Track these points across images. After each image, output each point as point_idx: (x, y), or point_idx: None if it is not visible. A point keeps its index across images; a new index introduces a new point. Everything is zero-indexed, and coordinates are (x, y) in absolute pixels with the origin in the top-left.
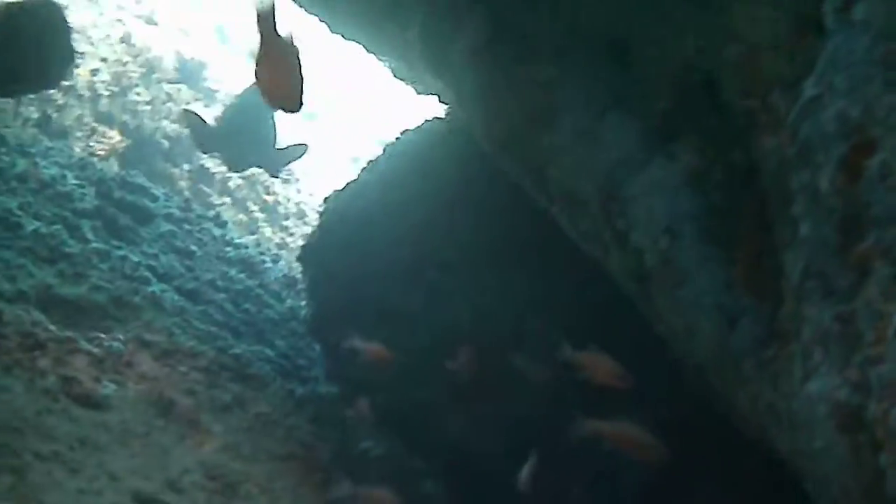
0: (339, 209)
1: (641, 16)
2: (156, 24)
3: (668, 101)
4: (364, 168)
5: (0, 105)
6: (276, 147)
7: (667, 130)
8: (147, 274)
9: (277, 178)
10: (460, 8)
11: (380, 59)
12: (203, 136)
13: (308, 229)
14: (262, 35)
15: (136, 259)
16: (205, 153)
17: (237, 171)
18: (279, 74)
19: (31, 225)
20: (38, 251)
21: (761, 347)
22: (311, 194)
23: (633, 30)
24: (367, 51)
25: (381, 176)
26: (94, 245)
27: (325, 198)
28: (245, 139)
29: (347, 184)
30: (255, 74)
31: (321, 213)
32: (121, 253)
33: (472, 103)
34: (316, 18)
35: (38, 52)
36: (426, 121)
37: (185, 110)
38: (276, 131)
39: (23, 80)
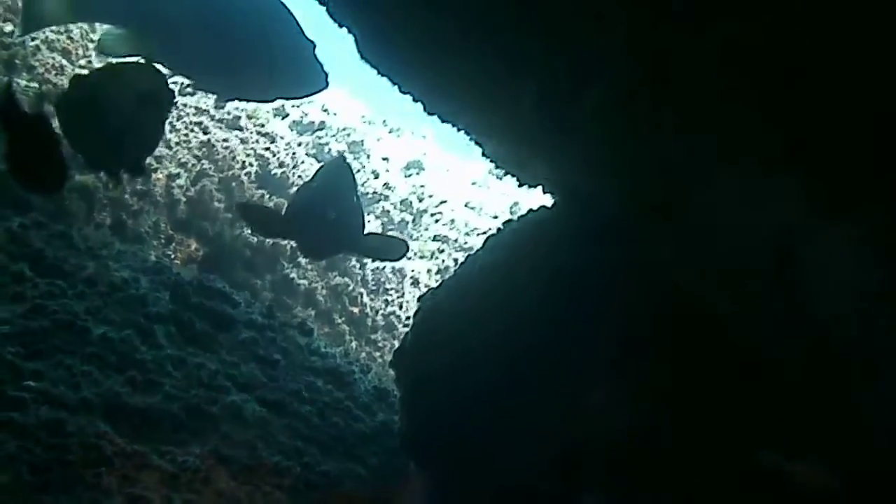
0: (435, 309)
1: (827, 40)
2: (239, 128)
3: (859, 145)
4: (462, 262)
5: (72, 209)
6: (364, 233)
7: (858, 183)
8: (226, 383)
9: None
10: (587, 62)
11: (480, 143)
12: (269, 221)
13: (397, 343)
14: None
15: (213, 367)
16: (276, 237)
17: (317, 259)
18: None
19: (98, 329)
20: (105, 357)
21: None
22: (400, 306)
23: (813, 57)
24: (468, 132)
25: (481, 270)
26: (168, 351)
27: (420, 297)
28: (324, 222)
29: (444, 281)
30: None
31: (415, 314)
32: (197, 360)
33: (604, 167)
34: (410, 97)
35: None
36: (531, 210)
37: (239, 204)
38: (363, 214)
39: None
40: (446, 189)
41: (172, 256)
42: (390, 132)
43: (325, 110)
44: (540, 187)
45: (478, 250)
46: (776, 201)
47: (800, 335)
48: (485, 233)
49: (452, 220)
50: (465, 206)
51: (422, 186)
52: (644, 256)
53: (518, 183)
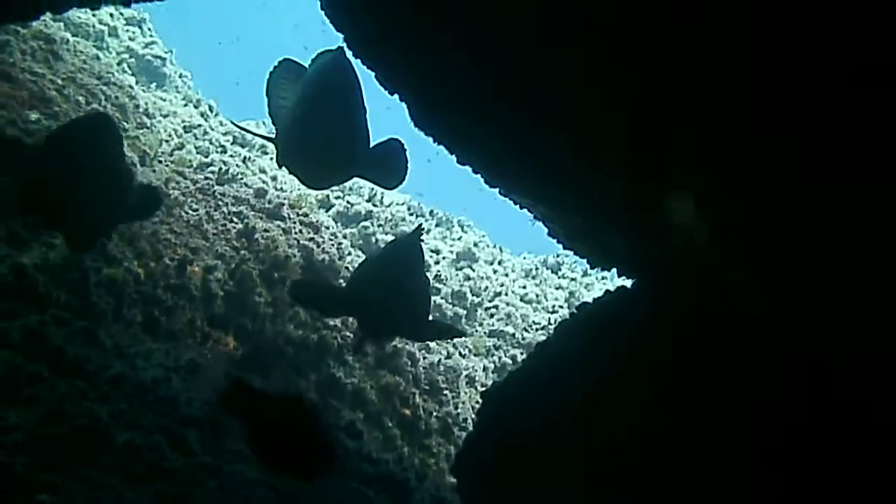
0: (501, 406)
1: None
2: (281, 218)
3: None
4: (531, 353)
5: (101, 306)
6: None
7: None
8: (267, 493)
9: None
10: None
11: (545, 220)
12: (327, 296)
13: (453, 449)
14: None
15: (252, 475)
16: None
17: (378, 339)
18: None
19: (123, 436)
20: (130, 467)
21: None
22: (456, 407)
23: None
24: (531, 209)
25: (552, 361)
26: (202, 459)
27: (484, 392)
28: (392, 297)
29: (511, 374)
30: None
31: (479, 412)
32: (234, 468)
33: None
34: (470, 169)
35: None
36: (607, 293)
37: (292, 283)
38: (430, 296)
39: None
40: (500, 282)
41: (209, 356)
42: (437, 225)
43: (370, 200)
44: (614, 270)
45: (548, 338)
46: None
47: None
48: (544, 328)
49: (509, 315)
50: (522, 299)
51: (474, 280)
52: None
53: (590, 264)
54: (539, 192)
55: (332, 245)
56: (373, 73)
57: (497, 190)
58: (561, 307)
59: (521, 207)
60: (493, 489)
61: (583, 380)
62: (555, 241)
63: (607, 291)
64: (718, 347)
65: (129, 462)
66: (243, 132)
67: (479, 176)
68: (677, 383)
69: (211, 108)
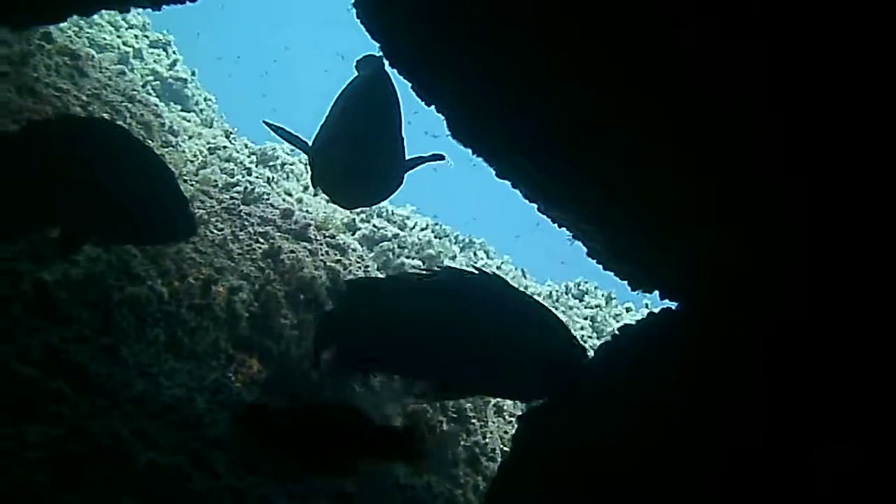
0: (538, 434)
1: None
2: (308, 239)
3: None
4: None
5: (123, 325)
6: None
7: None
8: None
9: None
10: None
11: (585, 240)
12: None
13: (480, 480)
14: None
15: (278, 501)
16: None
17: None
18: None
19: (144, 456)
20: (151, 489)
21: None
22: (484, 436)
23: None
24: (570, 227)
25: (595, 386)
26: (226, 481)
27: (519, 416)
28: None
29: (549, 399)
30: None
31: (514, 442)
32: (259, 492)
33: None
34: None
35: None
36: (650, 314)
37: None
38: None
39: None
40: None
41: (233, 378)
42: (461, 250)
43: (393, 220)
44: (642, 297)
45: (591, 359)
46: None
47: None
48: None
49: None
50: None
51: None
52: None
53: (631, 286)
54: (584, 206)
55: (360, 268)
56: (409, 84)
57: (536, 206)
58: (590, 337)
59: (560, 226)
60: None
61: (628, 403)
62: (594, 261)
63: (651, 313)
64: (769, 367)
65: (152, 482)
66: (280, 138)
67: (517, 191)
68: (729, 404)
69: (235, 130)
